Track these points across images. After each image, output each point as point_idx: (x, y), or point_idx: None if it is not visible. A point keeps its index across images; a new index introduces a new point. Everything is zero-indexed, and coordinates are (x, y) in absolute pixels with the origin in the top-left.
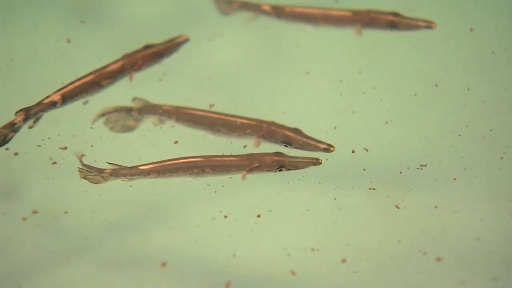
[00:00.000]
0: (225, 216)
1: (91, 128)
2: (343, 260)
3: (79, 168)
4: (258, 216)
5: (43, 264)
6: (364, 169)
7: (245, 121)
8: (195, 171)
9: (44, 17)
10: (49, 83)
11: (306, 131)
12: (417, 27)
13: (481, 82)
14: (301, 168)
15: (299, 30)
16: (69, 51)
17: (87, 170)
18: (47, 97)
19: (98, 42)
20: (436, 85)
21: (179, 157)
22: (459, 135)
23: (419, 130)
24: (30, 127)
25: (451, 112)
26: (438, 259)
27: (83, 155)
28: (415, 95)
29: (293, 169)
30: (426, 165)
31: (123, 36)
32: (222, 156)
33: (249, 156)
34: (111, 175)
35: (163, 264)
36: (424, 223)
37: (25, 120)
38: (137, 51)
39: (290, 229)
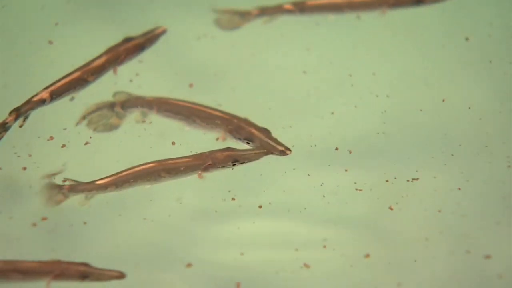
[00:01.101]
0: (233, 199)
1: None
2: (367, 256)
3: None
4: (260, 207)
5: None
6: (346, 170)
7: (218, 113)
8: (152, 177)
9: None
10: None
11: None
12: None
13: (480, 97)
14: (255, 160)
15: (309, 32)
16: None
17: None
18: (36, 95)
19: (80, 42)
20: (443, 100)
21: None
22: (452, 155)
23: (409, 147)
24: (21, 126)
25: (444, 133)
26: (487, 257)
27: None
28: (421, 110)
29: (247, 162)
30: (418, 179)
31: (109, 32)
32: (175, 158)
33: (202, 155)
34: (69, 191)
35: (188, 265)
36: (436, 226)
37: (16, 119)
38: (119, 45)
39: (290, 224)
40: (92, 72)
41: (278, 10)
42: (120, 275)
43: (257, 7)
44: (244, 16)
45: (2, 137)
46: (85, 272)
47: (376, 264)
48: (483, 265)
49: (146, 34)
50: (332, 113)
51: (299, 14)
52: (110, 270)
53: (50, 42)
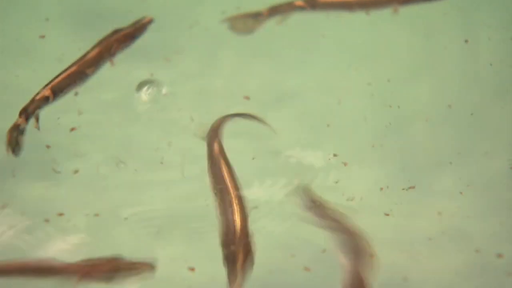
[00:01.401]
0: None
1: None
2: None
3: None
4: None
5: None
6: (336, 182)
7: None
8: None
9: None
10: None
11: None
12: None
13: (481, 102)
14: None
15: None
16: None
17: None
18: (37, 93)
19: (71, 37)
20: (450, 106)
21: None
22: (450, 163)
23: (403, 158)
24: (36, 127)
25: (443, 142)
26: (499, 256)
27: None
28: (426, 120)
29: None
30: (414, 187)
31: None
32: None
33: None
34: None
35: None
36: (438, 227)
37: (27, 119)
38: (109, 36)
39: (288, 228)
40: (89, 64)
41: (289, 7)
42: (151, 267)
43: (268, 7)
44: (256, 17)
45: (22, 141)
46: (116, 266)
47: (380, 263)
48: (494, 263)
49: (134, 24)
50: (328, 125)
51: (311, 11)
52: (140, 263)
53: (42, 37)
